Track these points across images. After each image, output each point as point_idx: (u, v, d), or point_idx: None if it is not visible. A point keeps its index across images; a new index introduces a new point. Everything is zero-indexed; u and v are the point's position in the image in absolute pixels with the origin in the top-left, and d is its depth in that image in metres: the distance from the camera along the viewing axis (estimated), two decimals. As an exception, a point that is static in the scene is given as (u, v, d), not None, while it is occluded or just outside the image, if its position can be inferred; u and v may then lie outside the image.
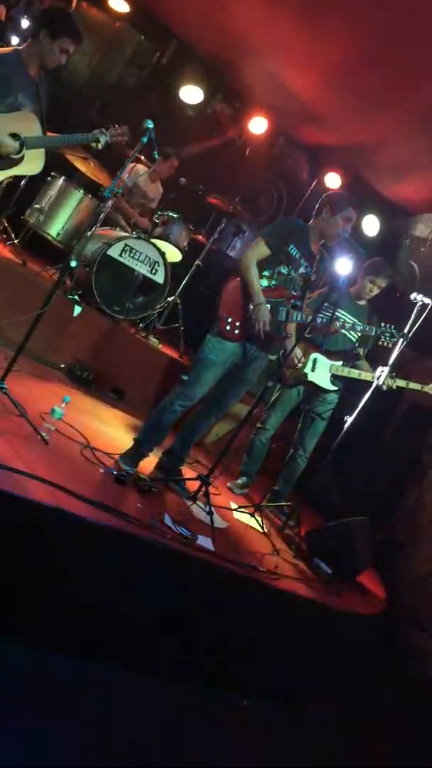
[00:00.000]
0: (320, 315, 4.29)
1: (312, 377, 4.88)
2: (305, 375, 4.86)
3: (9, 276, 4.73)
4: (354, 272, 4.72)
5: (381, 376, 4.50)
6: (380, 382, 4.55)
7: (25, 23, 6.45)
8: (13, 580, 2.75)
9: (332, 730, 4.10)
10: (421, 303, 4.37)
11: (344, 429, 4.79)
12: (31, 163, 3.73)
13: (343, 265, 4.19)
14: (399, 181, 6.71)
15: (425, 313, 4.35)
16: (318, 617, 4.10)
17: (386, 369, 4.56)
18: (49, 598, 2.90)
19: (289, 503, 5.04)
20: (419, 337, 4.48)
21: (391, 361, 4.55)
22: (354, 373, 4.84)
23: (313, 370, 4.88)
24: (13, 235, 5.28)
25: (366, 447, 6.39)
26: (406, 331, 4.40)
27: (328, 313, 4.50)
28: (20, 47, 3.66)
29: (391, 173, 6.67)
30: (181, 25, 6.63)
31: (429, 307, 4.36)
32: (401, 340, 4.41)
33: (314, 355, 4.88)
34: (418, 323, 4.39)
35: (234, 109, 7.25)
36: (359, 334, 4.90)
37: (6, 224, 5.31)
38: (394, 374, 4.59)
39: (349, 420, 4.70)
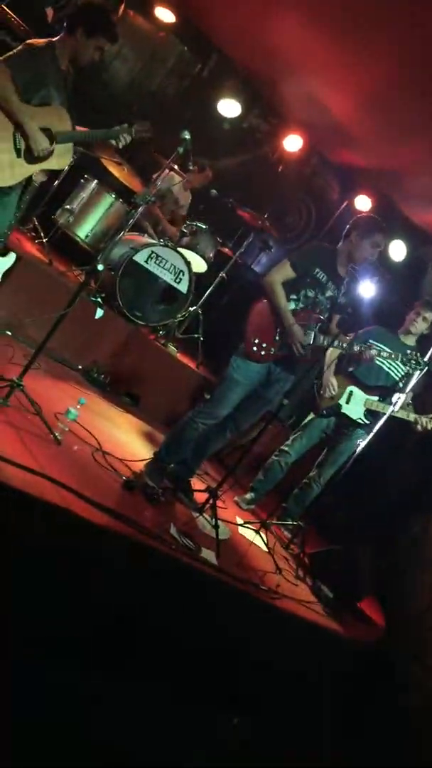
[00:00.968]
0: (354, 343, 4.26)
1: (345, 409, 4.84)
2: (339, 406, 4.83)
3: (35, 274, 4.76)
4: (378, 296, 4.71)
5: (398, 402, 4.47)
6: (396, 409, 4.53)
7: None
8: (11, 575, 2.75)
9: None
10: None
11: (356, 452, 4.78)
12: (60, 158, 3.74)
13: (367, 289, 4.18)
14: (429, 208, 6.69)
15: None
16: (316, 640, 4.07)
17: (403, 396, 4.55)
18: (47, 597, 2.90)
19: (295, 523, 5.02)
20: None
21: (408, 389, 4.54)
22: (387, 410, 4.76)
23: (347, 402, 4.84)
24: (42, 234, 5.32)
25: (376, 472, 6.35)
26: (427, 359, 4.37)
27: (360, 342, 4.45)
28: (54, 39, 3.67)
29: (422, 200, 6.66)
30: (224, 39, 6.67)
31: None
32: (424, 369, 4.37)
33: (351, 387, 4.84)
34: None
35: (270, 125, 7.28)
36: (404, 369, 4.83)
37: (36, 223, 5.35)
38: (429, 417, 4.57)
39: (362, 444, 4.70)
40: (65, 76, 3.74)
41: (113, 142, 4.00)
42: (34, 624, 2.87)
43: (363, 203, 7.05)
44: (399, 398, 4.58)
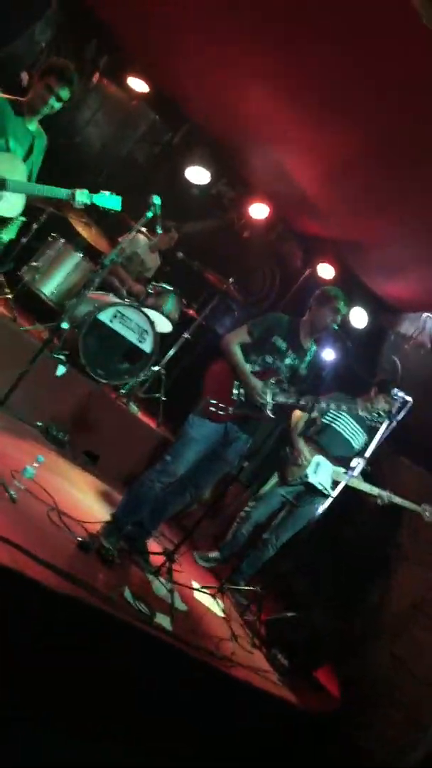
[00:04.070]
0: (304, 398, 4.25)
1: (312, 479, 4.85)
2: (306, 476, 4.84)
3: (-2, 329, 4.75)
4: (339, 361, 4.79)
5: (356, 468, 4.49)
6: (354, 474, 4.55)
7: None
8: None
9: None
10: (401, 400, 4.42)
11: (315, 517, 4.77)
12: (9, 205, 3.74)
13: (328, 355, 4.27)
14: (389, 279, 6.89)
15: (404, 411, 4.41)
16: (270, 710, 3.98)
17: (362, 461, 4.58)
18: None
19: (252, 588, 4.96)
20: (394, 433, 4.52)
21: (368, 453, 4.57)
22: (354, 483, 4.77)
23: (315, 472, 4.86)
24: (7, 290, 5.33)
25: (335, 537, 6.33)
26: (385, 426, 4.42)
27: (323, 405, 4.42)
28: (22, 99, 3.75)
29: (382, 271, 6.85)
30: (195, 109, 6.89)
31: (409, 405, 4.41)
32: (387, 422, 4.40)
33: (317, 457, 4.87)
34: (397, 420, 4.43)
35: (237, 192, 7.47)
36: (364, 441, 4.91)
37: (2, 279, 5.37)
38: (390, 492, 4.61)
39: (321, 509, 4.69)
40: (33, 135, 3.80)
41: (73, 202, 4.01)
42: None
43: (326, 271, 7.22)
44: (358, 463, 4.61)
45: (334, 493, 4.66)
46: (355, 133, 4.93)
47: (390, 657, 5.65)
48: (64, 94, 3.75)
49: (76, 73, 3.84)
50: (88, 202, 3.96)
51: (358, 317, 6.98)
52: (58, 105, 3.78)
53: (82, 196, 3.92)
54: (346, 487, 4.68)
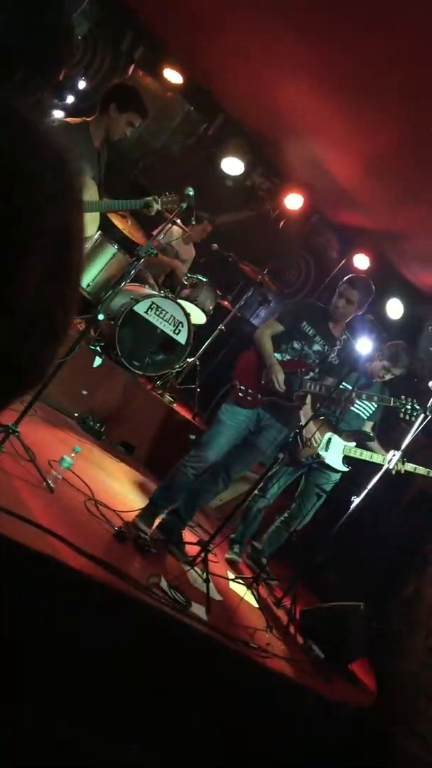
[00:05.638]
0: (332, 387, 4.26)
1: (325, 457, 4.85)
2: (318, 455, 4.83)
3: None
4: (372, 352, 4.76)
5: (392, 459, 4.47)
6: (391, 466, 4.52)
7: (81, 84, 6.73)
8: None
9: None
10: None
11: (350, 510, 4.75)
12: (86, 226, 3.83)
13: (363, 345, 4.25)
14: (426, 269, 6.80)
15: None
16: (304, 702, 3.98)
17: (398, 453, 4.53)
18: (31, 649, 2.83)
19: (287, 579, 4.96)
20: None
21: (404, 445, 4.53)
22: (366, 455, 4.82)
23: (326, 449, 4.85)
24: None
25: (368, 529, 6.29)
26: (423, 416, 4.38)
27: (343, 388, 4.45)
28: (89, 119, 3.84)
29: (419, 261, 6.78)
30: (230, 101, 6.88)
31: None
32: (422, 416, 4.37)
33: (328, 434, 4.86)
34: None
35: (272, 183, 7.45)
36: (372, 410, 4.92)
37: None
38: (404, 459, 4.55)
39: (356, 501, 4.66)
40: (99, 152, 3.89)
41: (146, 210, 4.12)
42: (17, 672, 2.81)
43: (361, 262, 7.17)
44: (394, 455, 4.57)
45: (371, 484, 4.61)
46: (391, 122, 4.88)
47: (427, 651, 5.59)
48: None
49: (112, 66, 3.94)
50: (160, 208, 4.07)
51: (394, 308, 6.91)
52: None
53: (156, 204, 4.02)
54: (367, 466, 4.70)
